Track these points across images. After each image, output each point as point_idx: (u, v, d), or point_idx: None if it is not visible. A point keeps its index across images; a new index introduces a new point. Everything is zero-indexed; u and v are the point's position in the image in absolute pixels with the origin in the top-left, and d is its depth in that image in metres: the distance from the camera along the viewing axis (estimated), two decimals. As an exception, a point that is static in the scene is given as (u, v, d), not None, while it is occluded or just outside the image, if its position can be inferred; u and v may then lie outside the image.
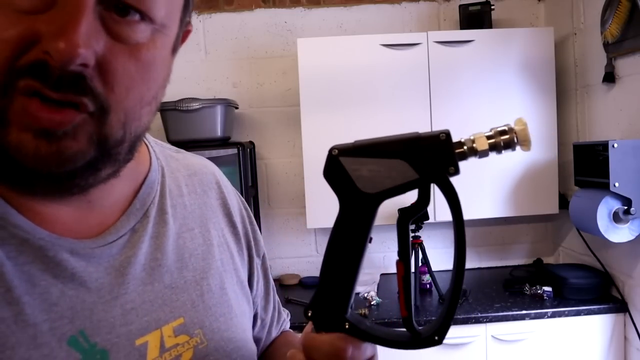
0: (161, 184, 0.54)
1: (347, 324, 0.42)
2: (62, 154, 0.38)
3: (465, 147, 0.41)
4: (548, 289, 2.05)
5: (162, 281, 0.50)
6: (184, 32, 0.48)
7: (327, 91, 2.12)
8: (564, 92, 2.33)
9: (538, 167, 2.20)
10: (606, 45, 1.95)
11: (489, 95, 2.17)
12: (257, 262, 0.66)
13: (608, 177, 1.76)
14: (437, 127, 2.16)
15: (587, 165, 1.93)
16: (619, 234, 1.82)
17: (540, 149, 2.20)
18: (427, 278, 2.21)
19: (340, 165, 0.41)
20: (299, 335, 0.65)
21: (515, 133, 0.40)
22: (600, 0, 1.95)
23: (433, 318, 1.91)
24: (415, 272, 2.14)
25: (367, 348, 0.43)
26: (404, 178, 0.40)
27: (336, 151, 0.41)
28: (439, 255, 2.52)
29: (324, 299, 0.43)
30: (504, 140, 0.40)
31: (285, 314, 0.78)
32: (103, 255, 0.46)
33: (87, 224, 0.46)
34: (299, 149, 2.25)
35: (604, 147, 1.80)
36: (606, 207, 1.82)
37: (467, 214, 2.36)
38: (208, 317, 0.52)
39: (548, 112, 2.20)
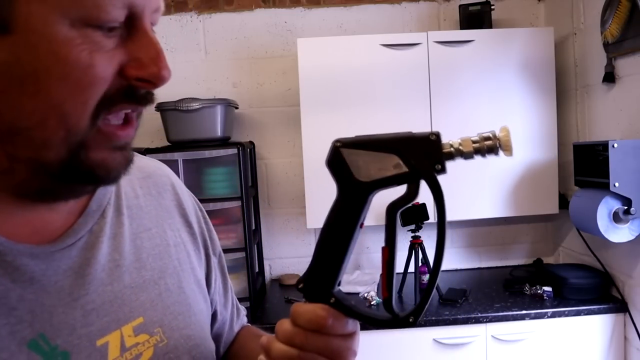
0: (116, 186, 0.56)
1: (332, 298, 0.47)
2: (128, 160, 0.46)
3: (452, 148, 0.45)
4: (548, 289, 2.05)
5: (121, 281, 0.51)
6: None
7: (327, 91, 2.12)
8: (564, 92, 2.33)
9: (538, 167, 2.20)
10: (606, 45, 1.95)
11: (489, 95, 2.17)
12: (214, 260, 0.68)
13: (608, 177, 1.76)
14: (437, 127, 2.17)
15: (587, 165, 1.93)
16: (619, 234, 1.82)
17: (540, 149, 2.20)
18: (427, 278, 2.21)
19: (340, 155, 0.47)
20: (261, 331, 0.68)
21: (498, 140, 0.44)
22: (600, 0, 1.95)
23: (433, 318, 1.91)
24: (415, 272, 2.14)
25: (349, 323, 0.47)
26: (394, 171, 0.45)
27: (339, 143, 0.47)
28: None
29: (315, 273, 0.47)
30: (488, 146, 0.44)
31: (243, 311, 0.80)
32: (62, 257, 0.47)
33: (46, 229, 0.47)
34: (299, 149, 2.25)
35: (604, 147, 1.80)
36: (606, 207, 1.82)
37: (467, 214, 2.38)
38: (167, 315, 0.54)
39: (548, 112, 2.20)
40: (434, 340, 1.93)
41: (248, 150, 2.28)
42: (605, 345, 1.96)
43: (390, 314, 0.47)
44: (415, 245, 2.15)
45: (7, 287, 0.42)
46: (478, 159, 0.45)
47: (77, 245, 0.48)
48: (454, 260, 2.56)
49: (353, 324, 0.47)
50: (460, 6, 2.35)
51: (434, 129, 2.22)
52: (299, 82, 2.12)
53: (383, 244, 0.48)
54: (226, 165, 2.11)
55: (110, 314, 0.49)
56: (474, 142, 0.45)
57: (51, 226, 0.48)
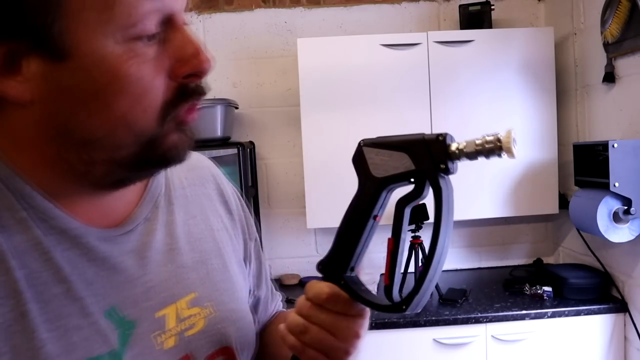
0: (166, 178, 0.62)
1: (342, 280, 0.52)
2: (192, 140, 0.51)
3: (456, 149, 0.47)
4: (548, 289, 2.05)
5: (175, 262, 0.57)
6: None
7: (327, 91, 2.12)
8: (564, 92, 2.33)
9: (538, 167, 2.20)
10: (606, 45, 1.95)
11: (489, 95, 2.17)
12: (250, 244, 0.74)
13: (608, 177, 1.76)
14: (437, 126, 2.17)
15: (587, 165, 1.93)
16: (619, 234, 1.82)
17: (540, 149, 2.20)
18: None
19: (362, 153, 0.52)
20: None
21: (500, 142, 0.45)
22: (600, 0, 1.95)
23: (433, 318, 1.91)
24: (415, 272, 2.14)
25: (353, 306, 0.51)
26: (403, 168, 0.49)
27: (362, 143, 0.52)
28: (439, 255, 2.52)
29: (331, 257, 0.53)
30: (489, 148, 0.46)
31: (279, 296, 0.86)
32: (124, 241, 0.53)
33: (111, 215, 0.54)
34: (299, 149, 2.25)
35: (604, 147, 1.80)
36: (606, 207, 1.82)
37: (467, 214, 2.38)
38: (215, 291, 0.60)
39: (548, 112, 2.20)
40: (434, 340, 1.93)
41: (248, 150, 2.28)
42: (605, 345, 1.96)
43: (390, 301, 0.51)
44: (415, 245, 2.15)
45: (85, 265, 0.49)
46: (482, 159, 0.47)
47: (135, 230, 0.54)
48: (454, 260, 2.56)
49: (358, 307, 0.52)
50: (460, 6, 2.35)
51: (434, 129, 2.23)
52: (299, 82, 2.12)
53: (385, 241, 0.51)
54: (226, 165, 2.11)
55: (166, 290, 0.55)
56: (477, 144, 0.47)
57: (115, 213, 0.54)
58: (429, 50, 2.15)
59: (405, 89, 2.15)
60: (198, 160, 0.70)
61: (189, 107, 0.49)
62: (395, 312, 0.50)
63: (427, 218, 2.09)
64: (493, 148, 0.46)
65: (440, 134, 0.48)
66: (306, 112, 2.13)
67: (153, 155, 0.48)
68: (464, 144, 0.47)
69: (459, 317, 1.91)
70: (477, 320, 1.91)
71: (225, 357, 0.58)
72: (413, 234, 2.14)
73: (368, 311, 0.54)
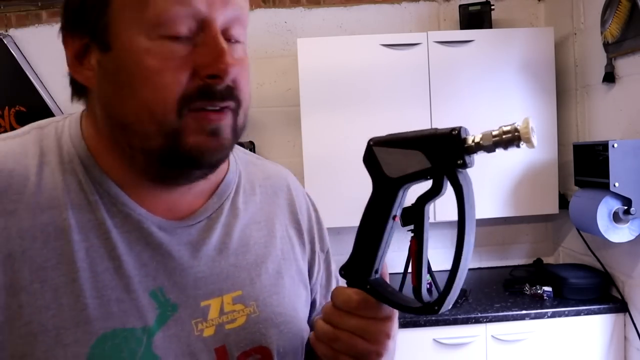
0: (237, 184, 0.66)
1: (368, 285, 0.51)
2: (220, 146, 0.53)
3: (473, 143, 0.46)
4: (548, 289, 2.05)
5: (227, 260, 0.60)
6: None
7: (327, 91, 2.12)
8: (564, 92, 2.33)
9: (538, 167, 2.20)
10: (606, 45, 1.95)
11: (489, 95, 2.17)
12: (320, 255, 0.75)
13: (608, 177, 1.76)
14: (437, 126, 2.17)
15: (587, 165, 1.93)
16: (619, 234, 1.82)
17: (540, 149, 2.20)
18: (427, 278, 2.21)
19: (372, 153, 0.51)
20: None
21: (518, 132, 0.44)
22: (600, 0, 1.95)
23: (433, 318, 1.91)
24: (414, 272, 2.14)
25: (382, 309, 0.52)
26: (419, 166, 0.48)
27: (372, 142, 0.51)
28: (439, 255, 2.52)
29: (354, 262, 0.52)
30: (509, 139, 0.44)
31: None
32: (184, 233, 0.58)
33: (176, 209, 0.58)
34: (299, 148, 2.25)
35: (604, 147, 1.80)
36: (606, 207, 1.82)
37: (467, 214, 2.35)
38: (262, 293, 0.62)
39: (548, 112, 2.20)
40: (434, 340, 1.93)
41: (248, 150, 2.28)
42: (605, 345, 1.96)
43: (420, 302, 0.50)
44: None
45: (142, 248, 0.54)
46: (500, 151, 0.45)
47: (196, 226, 0.59)
48: (454, 260, 2.56)
49: (387, 310, 0.53)
50: (460, 6, 2.35)
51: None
52: (299, 82, 2.12)
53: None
54: (226, 165, 2.11)
55: (215, 283, 0.58)
56: (494, 135, 0.45)
57: (180, 207, 0.59)
58: (429, 50, 2.15)
59: (405, 89, 2.15)
60: (276, 170, 0.75)
61: (210, 109, 0.51)
62: (427, 314, 0.50)
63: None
64: (511, 138, 0.44)
65: (454, 128, 0.46)
66: (306, 112, 2.13)
67: (178, 151, 0.51)
68: (480, 136, 0.45)
69: (459, 317, 1.91)
70: (477, 320, 1.91)
71: (261, 356, 0.60)
72: (413, 234, 2.14)
73: (396, 312, 0.54)
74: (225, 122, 0.52)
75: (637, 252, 1.88)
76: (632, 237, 1.82)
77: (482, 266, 2.56)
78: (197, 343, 0.55)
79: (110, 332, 0.50)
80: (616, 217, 1.81)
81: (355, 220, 0.53)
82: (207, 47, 0.50)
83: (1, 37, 2.40)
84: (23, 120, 2.43)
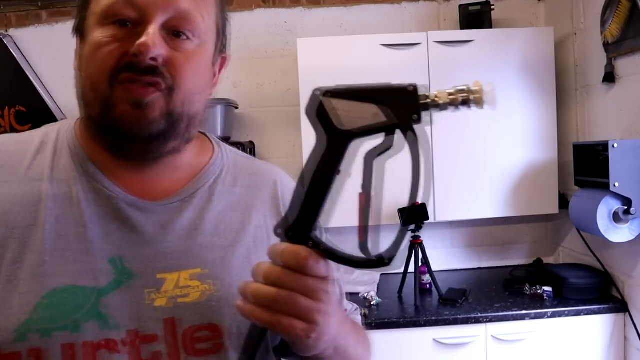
0: (217, 176, 0.71)
1: (310, 241, 0.49)
2: (145, 119, 0.58)
3: (428, 100, 0.46)
4: (548, 289, 2.05)
5: (194, 240, 0.64)
6: (222, 59, 0.72)
7: (327, 91, 2.12)
8: (564, 92, 2.33)
9: (538, 167, 2.20)
10: (606, 45, 1.95)
11: (489, 95, 2.16)
12: None
13: (608, 177, 1.76)
14: (437, 126, 2.17)
15: (587, 165, 1.93)
16: (619, 234, 1.82)
17: (540, 149, 2.20)
18: (427, 278, 2.21)
19: (321, 104, 0.48)
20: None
21: (473, 93, 0.45)
22: (600, 0, 1.95)
23: (433, 318, 1.91)
24: (415, 272, 2.14)
25: (323, 265, 0.50)
26: (373, 120, 0.47)
27: (319, 92, 0.48)
28: (439, 255, 2.52)
29: (292, 220, 0.50)
30: (463, 98, 0.46)
31: (351, 306, 0.85)
32: (154, 212, 0.63)
33: (151, 191, 0.65)
34: (299, 148, 2.25)
35: (604, 147, 1.80)
36: (606, 207, 1.82)
37: (467, 214, 2.37)
38: (223, 273, 0.64)
39: (548, 112, 2.20)
40: (434, 340, 1.93)
41: (248, 150, 2.28)
42: (605, 345, 1.96)
43: (366, 256, 0.49)
44: (415, 245, 2.15)
45: (110, 221, 0.61)
46: (452, 110, 0.47)
47: (169, 207, 0.64)
48: (454, 260, 2.56)
49: (327, 268, 0.50)
50: (460, 6, 2.35)
51: (434, 129, 2.21)
52: (299, 82, 2.13)
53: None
54: (226, 165, 2.11)
55: (175, 259, 0.62)
56: (449, 94, 0.46)
57: (156, 190, 0.65)
58: (429, 50, 2.15)
59: (405, 89, 2.15)
60: (264, 168, 0.78)
61: (137, 82, 0.58)
62: (378, 267, 0.48)
63: (427, 218, 2.09)
64: (465, 98, 0.45)
65: (411, 84, 0.46)
66: (306, 112, 2.13)
67: (110, 119, 0.58)
68: (436, 93, 0.46)
69: (459, 317, 1.91)
70: (477, 320, 1.91)
71: (210, 333, 0.61)
72: (413, 234, 2.14)
73: (332, 271, 0.53)
74: (152, 98, 0.58)
75: (637, 252, 1.88)
76: (632, 237, 1.82)
77: (482, 266, 2.56)
78: (146, 311, 0.59)
79: (62, 287, 0.56)
80: (616, 217, 1.81)
81: (355, 219, 0.51)
82: (140, 34, 0.58)
83: (1, 37, 2.40)
84: (23, 120, 2.43)
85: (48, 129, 0.69)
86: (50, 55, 2.43)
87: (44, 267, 0.57)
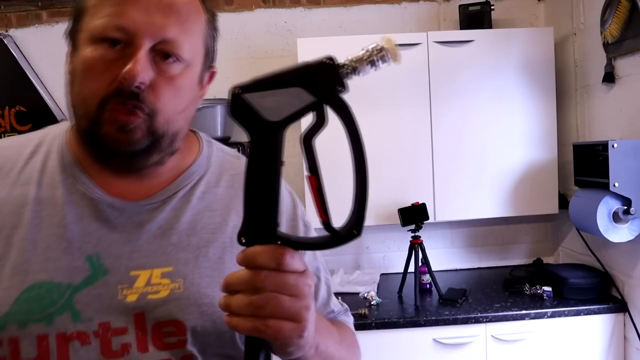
0: (200, 177, 0.73)
1: (278, 239, 0.48)
2: (128, 140, 0.62)
3: (347, 68, 0.47)
4: (548, 289, 2.05)
5: (168, 239, 0.66)
6: (210, 73, 0.73)
7: (327, 91, 2.12)
8: (564, 92, 2.33)
9: (538, 167, 2.20)
10: (606, 45, 1.96)
11: (489, 95, 2.17)
12: None
13: (608, 177, 1.76)
14: (437, 127, 2.17)
15: (587, 165, 1.93)
16: (619, 234, 1.82)
17: (540, 149, 2.21)
18: (427, 278, 2.21)
19: (244, 102, 0.47)
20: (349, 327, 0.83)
21: (386, 50, 0.46)
22: (600, 0, 1.95)
23: (433, 318, 1.91)
24: (415, 272, 2.14)
25: (299, 259, 0.50)
26: (302, 102, 0.47)
27: (238, 90, 0.47)
28: (439, 255, 2.52)
29: (254, 221, 0.49)
30: (379, 56, 0.46)
31: (339, 307, 0.86)
32: (132, 213, 0.66)
33: (133, 193, 0.68)
34: (299, 148, 2.25)
35: (603, 147, 1.80)
36: (606, 207, 1.82)
37: (467, 214, 2.37)
38: (193, 273, 0.66)
39: (548, 112, 2.20)
40: (434, 340, 1.93)
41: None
42: (605, 345, 1.96)
43: (333, 234, 0.48)
44: (415, 245, 2.15)
45: (91, 221, 0.65)
46: (371, 71, 0.47)
47: (146, 207, 0.67)
48: (454, 260, 2.56)
49: (301, 262, 0.50)
50: (460, 6, 2.35)
51: (434, 129, 2.21)
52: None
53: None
54: (226, 165, 2.11)
55: (149, 257, 0.65)
56: (365, 56, 0.46)
57: (138, 192, 0.68)
58: (429, 50, 2.15)
59: (405, 89, 2.15)
60: None
61: (130, 113, 0.61)
62: (349, 241, 0.48)
63: (427, 218, 2.09)
64: (382, 55, 0.46)
65: (327, 57, 0.46)
66: (306, 112, 2.13)
67: (97, 135, 0.62)
68: (351, 58, 0.47)
69: (459, 317, 1.91)
70: (477, 320, 1.91)
71: (176, 329, 0.63)
72: (413, 234, 2.14)
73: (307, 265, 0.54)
74: (136, 124, 0.61)
75: (637, 252, 1.88)
76: (631, 237, 1.82)
77: (482, 266, 2.56)
78: (117, 305, 0.62)
79: (39, 283, 0.61)
80: (616, 217, 1.81)
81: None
82: (127, 58, 0.60)
83: (1, 37, 2.40)
84: (23, 120, 2.43)
85: (46, 132, 0.73)
86: (50, 55, 2.43)
87: (24, 265, 0.61)
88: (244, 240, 0.49)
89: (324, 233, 0.49)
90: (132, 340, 0.62)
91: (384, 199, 2.09)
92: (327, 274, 0.83)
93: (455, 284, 2.26)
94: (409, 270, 2.19)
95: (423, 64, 2.15)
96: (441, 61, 2.15)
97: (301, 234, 0.77)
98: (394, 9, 2.48)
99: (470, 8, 2.31)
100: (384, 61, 0.47)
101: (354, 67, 0.47)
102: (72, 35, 0.66)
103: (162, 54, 0.62)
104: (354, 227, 0.48)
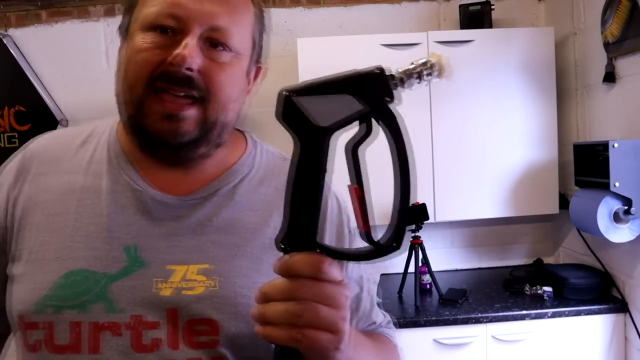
0: (244, 175, 0.72)
1: (318, 248, 0.47)
2: (177, 131, 0.62)
3: (396, 79, 0.47)
4: (548, 289, 2.05)
5: (207, 235, 0.66)
6: (257, 69, 0.73)
7: (327, 91, 2.12)
8: (564, 92, 2.32)
9: (538, 167, 2.20)
10: (606, 45, 1.95)
11: (489, 95, 2.16)
12: None
13: (608, 177, 1.76)
14: (437, 127, 2.17)
15: (587, 165, 1.93)
16: (619, 234, 1.82)
17: (541, 149, 2.20)
18: (427, 278, 2.21)
19: (294, 105, 0.47)
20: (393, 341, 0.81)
21: (435, 65, 0.46)
22: (601, 0, 1.95)
23: (433, 318, 1.91)
24: (415, 272, 2.14)
25: (338, 269, 0.48)
26: (351, 110, 0.46)
27: (288, 92, 0.47)
28: (439, 255, 2.52)
29: (293, 229, 0.47)
30: (426, 71, 0.46)
31: (384, 318, 0.83)
32: (175, 206, 0.66)
33: (177, 187, 0.68)
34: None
35: (604, 147, 1.80)
36: (606, 207, 1.81)
37: (467, 214, 2.37)
38: (230, 271, 0.65)
39: (548, 112, 2.20)
40: (434, 340, 1.93)
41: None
42: (605, 345, 1.96)
43: (374, 246, 0.48)
44: (415, 245, 2.14)
45: (132, 212, 0.65)
46: (417, 86, 0.47)
47: (189, 202, 0.67)
48: (454, 260, 2.56)
49: (340, 272, 0.49)
50: (460, 6, 2.35)
51: (434, 129, 2.21)
52: (299, 82, 2.12)
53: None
54: (226, 165, 2.11)
55: (186, 252, 0.64)
56: (414, 69, 0.46)
57: (182, 186, 0.68)
58: (429, 50, 2.15)
59: (404, 89, 2.15)
60: None
61: (171, 93, 0.61)
62: (388, 254, 0.47)
63: (427, 218, 2.08)
64: (430, 71, 0.46)
65: (377, 67, 0.46)
66: (306, 112, 2.13)
67: (141, 122, 0.62)
68: (401, 71, 0.47)
69: (459, 317, 1.91)
70: (477, 321, 1.91)
71: (209, 328, 0.62)
72: (413, 234, 2.14)
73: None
74: (185, 112, 0.62)
75: (638, 252, 1.88)
76: (632, 237, 1.82)
77: (482, 266, 2.56)
78: (151, 299, 0.61)
79: (77, 270, 0.62)
80: (616, 217, 1.81)
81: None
82: (177, 44, 0.61)
83: (1, 37, 2.39)
84: (23, 120, 2.43)
85: (98, 123, 0.75)
86: (50, 55, 2.43)
87: (65, 251, 0.63)
88: (282, 246, 0.48)
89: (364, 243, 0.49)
90: (164, 335, 0.61)
91: (383, 199, 2.08)
92: (371, 284, 0.81)
93: (456, 284, 2.26)
94: (409, 271, 2.18)
95: (423, 64, 2.15)
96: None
97: (346, 240, 0.75)
98: (394, 8, 2.48)
99: (471, 8, 2.30)
100: (431, 75, 0.46)
101: (402, 79, 0.46)
102: (124, 28, 0.67)
103: (211, 42, 0.63)
104: (395, 240, 0.47)
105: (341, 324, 0.48)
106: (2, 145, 2.44)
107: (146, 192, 0.66)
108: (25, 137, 2.43)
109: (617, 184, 1.75)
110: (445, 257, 2.54)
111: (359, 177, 0.48)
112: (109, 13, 2.47)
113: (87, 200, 0.66)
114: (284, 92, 0.47)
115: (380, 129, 0.48)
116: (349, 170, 0.48)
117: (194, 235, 0.65)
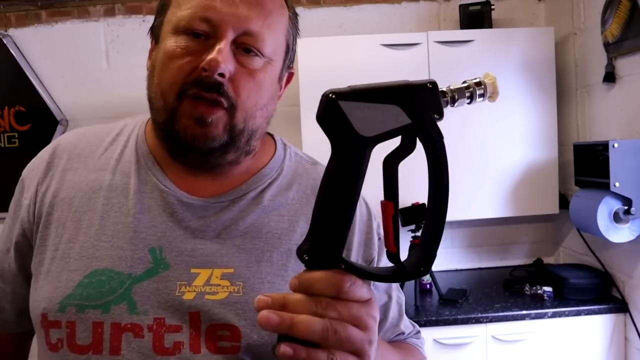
0: (272, 180, 0.71)
1: (342, 264, 0.44)
2: (207, 135, 0.61)
3: (447, 96, 0.45)
4: (548, 289, 2.05)
5: (232, 239, 0.65)
6: (288, 74, 0.72)
7: (327, 91, 2.12)
8: (564, 92, 2.32)
9: (538, 167, 2.20)
10: (606, 45, 1.95)
11: (489, 95, 2.16)
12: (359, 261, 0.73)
13: (608, 177, 1.76)
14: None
15: (587, 165, 1.93)
16: (620, 234, 1.82)
17: (541, 149, 2.20)
18: (427, 278, 2.21)
19: (338, 109, 0.42)
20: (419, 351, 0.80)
21: (487, 87, 0.45)
22: (601, 0, 1.95)
23: (433, 318, 1.91)
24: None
25: (363, 287, 0.45)
26: (397, 123, 0.43)
27: (333, 95, 0.42)
28: (439, 255, 2.50)
29: (320, 242, 0.44)
30: (479, 91, 0.45)
31: (412, 329, 0.82)
32: (202, 209, 0.66)
33: (204, 189, 0.67)
34: (299, 148, 2.25)
35: (604, 147, 1.80)
36: (606, 207, 1.81)
37: (467, 214, 2.36)
38: (254, 277, 0.63)
39: (548, 112, 2.20)
40: (434, 340, 1.93)
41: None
42: (605, 345, 1.96)
43: (399, 267, 0.45)
44: (415, 245, 2.14)
45: (158, 213, 0.65)
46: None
47: (215, 206, 0.66)
48: (454, 260, 2.56)
49: (368, 290, 0.46)
50: (460, 6, 2.35)
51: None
52: (299, 82, 2.12)
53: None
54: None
55: (210, 256, 0.63)
56: (465, 88, 0.45)
57: (209, 189, 0.68)
58: (429, 50, 2.15)
59: (405, 89, 2.15)
60: None
61: (204, 98, 0.60)
62: (414, 278, 0.45)
63: (427, 218, 2.08)
64: (481, 92, 0.45)
65: (429, 81, 0.43)
66: (306, 112, 2.13)
67: (173, 128, 0.62)
68: (452, 89, 0.45)
69: (459, 317, 1.91)
70: (477, 321, 1.91)
71: (231, 333, 0.61)
72: (413, 234, 2.14)
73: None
74: (215, 117, 0.61)
75: (638, 252, 1.88)
76: (632, 237, 1.82)
77: (482, 266, 2.56)
78: (174, 302, 0.61)
79: (101, 270, 0.61)
80: (616, 217, 1.81)
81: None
82: (210, 49, 0.60)
83: (1, 37, 2.39)
84: (23, 120, 2.43)
85: (127, 121, 0.75)
86: (50, 55, 2.43)
87: (91, 250, 0.62)
88: (306, 257, 0.44)
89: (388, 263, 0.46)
90: (185, 339, 0.60)
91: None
92: (400, 292, 0.79)
93: (456, 284, 2.26)
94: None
95: (423, 64, 2.15)
96: (441, 61, 2.15)
97: (375, 248, 0.73)
98: (394, 8, 2.48)
99: (471, 8, 2.30)
100: (481, 96, 0.45)
101: (453, 97, 0.44)
102: (155, 30, 0.66)
103: (244, 47, 0.62)
104: (422, 264, 0.44)
105: (367, 347, 0.45)
106: (2, 145, 2.44)
107: (173, 194, 0.66)
108: (25, 137, 2.43)
109: (617, 184, 1.75)
110: (445, 257, 2.54)
111: (395, 194, 0.44)
112: (109, 13, 2.47)
113: (114, 199, 0.65)
114: (330, 94, 0.42)
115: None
116: (384, 185, 0.44)
117: (218, 239, 0.64)
